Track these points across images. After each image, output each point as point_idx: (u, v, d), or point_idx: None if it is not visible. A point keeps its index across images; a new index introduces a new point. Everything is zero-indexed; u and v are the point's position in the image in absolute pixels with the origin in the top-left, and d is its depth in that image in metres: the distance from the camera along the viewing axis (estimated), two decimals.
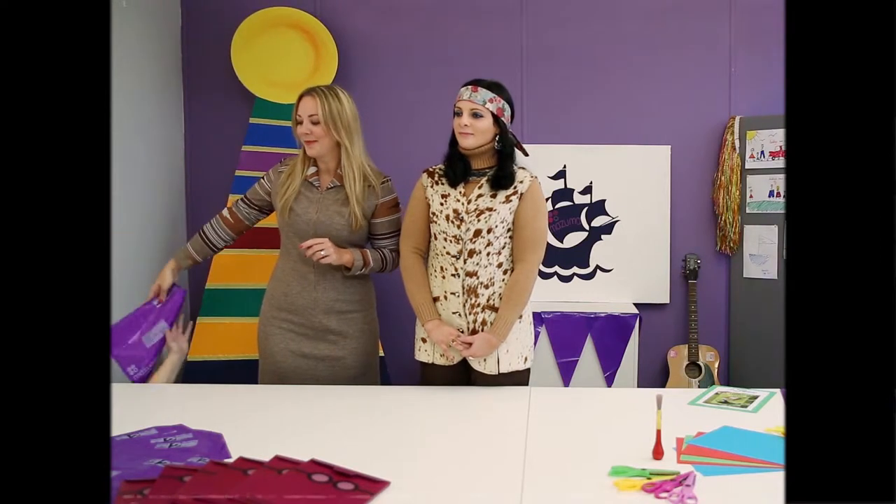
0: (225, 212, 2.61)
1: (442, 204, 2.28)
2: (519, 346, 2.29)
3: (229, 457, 1.65)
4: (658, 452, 1.63)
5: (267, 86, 3.42)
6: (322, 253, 2.33)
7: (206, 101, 3.62)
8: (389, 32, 3.57)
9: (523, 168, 2.30)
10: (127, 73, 3.13)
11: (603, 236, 3.55)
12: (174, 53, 3.57)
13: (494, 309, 2.25)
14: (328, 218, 2.41)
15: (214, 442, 1.75)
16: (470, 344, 2.22)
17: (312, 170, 2.45)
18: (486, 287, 2.24)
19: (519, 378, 2.30)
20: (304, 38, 3.46)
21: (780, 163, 3.37)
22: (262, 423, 1.92)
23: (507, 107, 2.26)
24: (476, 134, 2.21)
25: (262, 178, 2.57)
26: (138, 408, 2.03)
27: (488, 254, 2.23)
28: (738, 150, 3.43)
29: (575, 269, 3.57)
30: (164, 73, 3.48)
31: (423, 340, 2.35)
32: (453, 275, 2.26)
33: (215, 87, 3.58)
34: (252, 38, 3.40)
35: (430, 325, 2.27)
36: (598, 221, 3.55)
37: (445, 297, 2.28)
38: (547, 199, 3.54)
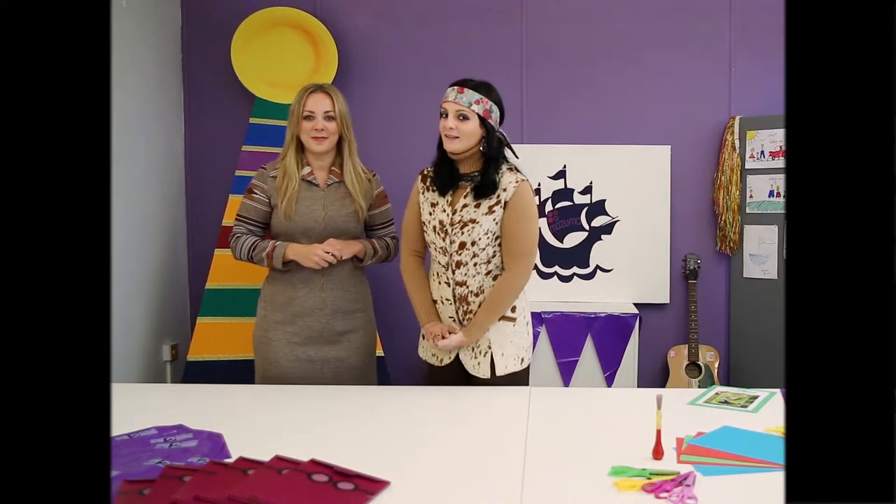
0: (256, 238, 2.46)
1: (430, 214, 2.26)
2: (514, 349, 2.27)
3: (229, 457, 1.65)
4: (658, 452, 1.63)
5: (267, 86, 3.42)
6: (336, 253, 2.37)
7: (206, 101, 3.62)
8: (389, 32, 3.57)
9: (512, 170, 2.22)
10: (127, 73, 3.13)
11: (603, 236, 3.55)
12: (174, 53, 3.57)
13: None
14: (336, 212, 2.43)
15: (214, 442, 1.75)
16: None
17: (307, 169, 2.44)
18: (477, 295, 2.24)
19: (517, 378, 2.29)
20: (304, 38, 3.46)
21: (780, 163, 3.37)
22: (262, 423, 1.92)
23: (495, 108, 2.17)
24: (462, 137, 2.13)
25: (254, 192, 2.45)
26: (138, 408, 2.03)
27: (475, 264, 2.21)
28: (738, 150, 3.43)
29: (575, 269, 3.57)
30: (164, 73, 3.48)
31: (423, 337, 2.37)
32: (445, 283, 2.26)
33: (215, 87, 3.58)
34: (252, 38, 3.41)
35: (427, 326, 2.28)
36: (598, 221, 3.55)
37: (442, 302, 2.30)
38: (547, 200, 3.54)
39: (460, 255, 2.21)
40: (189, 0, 3.60)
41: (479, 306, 2.23)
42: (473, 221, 2.18)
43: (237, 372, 3.11)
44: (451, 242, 2.20)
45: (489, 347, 2.24)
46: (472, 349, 2.26)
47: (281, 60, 3.44)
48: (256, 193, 2.45)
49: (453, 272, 2.23)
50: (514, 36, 3.54)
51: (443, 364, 2.30)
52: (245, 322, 3.16)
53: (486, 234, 2.18)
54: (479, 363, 2.25)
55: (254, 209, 2.45)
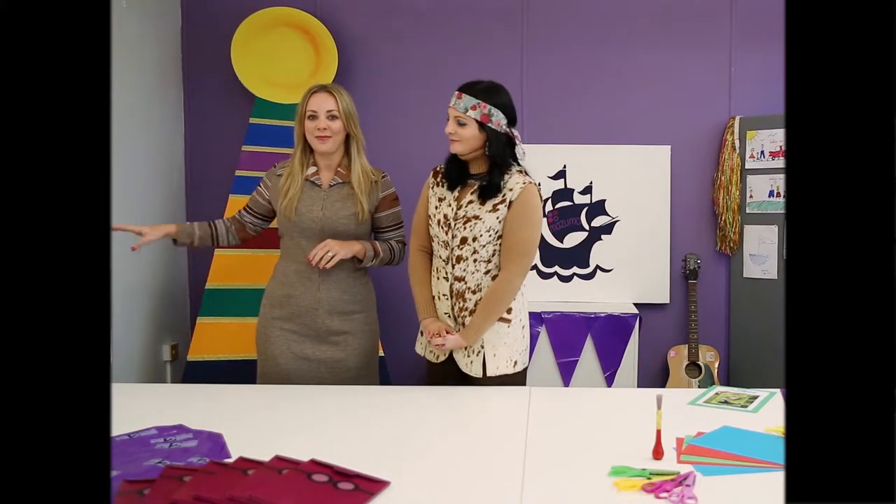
0: (237, 216, 2.65)
1: (436, 207, 2.29)
2: (507, 351, 2.26)
3: (229, 457, 1.65)
4: (658, 452, 1.63)
5: (267, 86, 3.41)
6: (329, 254, 2.36)
7: (206, 101, 3.62)
8: (389, 32, 3.57)
9: (521, 172, 2.23)
10: (127, 74, 3.13)
11: (603, 236, 3.55)
12: (174, 53, 3.57)
13: None
14: (334, 213, 2.43)
15: (214, 442, 1.75)
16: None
17: (312, 169, 2.46)
18: (474, 292, 2.24)
19: (509, 381, 2.27)
20: (304, 38, 3.46)
21: (780, 163, 3.37)
22: (262, 423, 1.92)
23: (496, 112, 2.17)
24: (461, 141, 2.19)
25: (259, 185, 2.59)
26: (138, 408, 2.03)
27: (475, 260, 2.22)
28: (738, 150, 3.43)
29: (575, 269, 3.57)
30: (164, 73, 3.48)
31: (422, 333, 2.38)
32: (444, 278, 2.27)
33: (215, 87, 3.58)
34: (252, 38, 3.40)
35: (425, 322, 2.30)
36: (598, 221, 3.55)
37: (439, 298, 2.31)
38: (547, 200, 3.54)
39: (461, 249, 2.22)
40: (189, 0, 3.60)
41: (476, 305, 2.23)
42: (476, 217, 2.20)
43: (237, 372, 3.11)
44: (454, 237, 2.23)
45: (482, 347, 2.25)
46: (466, 347, 2.26)
47: (281, 60, 3.44)
48: (260, 188, 2.59)
49: (453, 267, 2.24)
50: (514, 36, 3.54)
51: (439, 361, 2.31)
52: (245, 322, 3.16)
53: (489, 230, 2.20)
54: (471, 362, 2.26)
55: (254, 200, 2.61)
